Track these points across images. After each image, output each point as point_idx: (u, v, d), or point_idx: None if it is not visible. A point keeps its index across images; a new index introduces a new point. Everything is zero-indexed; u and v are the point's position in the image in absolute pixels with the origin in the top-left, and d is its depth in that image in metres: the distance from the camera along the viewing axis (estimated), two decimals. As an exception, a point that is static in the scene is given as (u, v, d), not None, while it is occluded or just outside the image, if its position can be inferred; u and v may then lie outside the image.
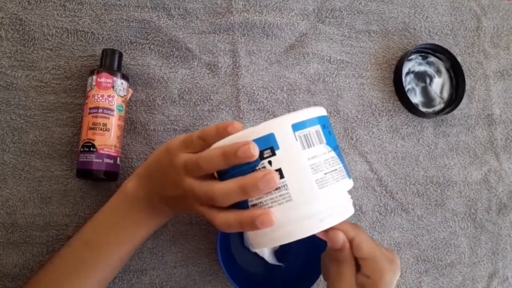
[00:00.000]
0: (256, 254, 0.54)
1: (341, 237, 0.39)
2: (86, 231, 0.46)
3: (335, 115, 0.61)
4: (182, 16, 0.58)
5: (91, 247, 0.44)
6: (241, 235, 0.54)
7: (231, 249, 0.54)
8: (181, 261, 0.53)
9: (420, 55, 0.65)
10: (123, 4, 0.57)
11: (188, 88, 0.57)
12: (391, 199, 0.61)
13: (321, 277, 0.50)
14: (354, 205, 0.59)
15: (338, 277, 0.41)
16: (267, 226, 0.33)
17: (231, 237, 0.54)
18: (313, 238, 0.53)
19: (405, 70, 0.64)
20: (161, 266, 0.53)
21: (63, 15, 0.55)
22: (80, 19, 0.55)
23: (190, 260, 0.54)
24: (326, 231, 0.40)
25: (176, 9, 0.58)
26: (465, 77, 0.64)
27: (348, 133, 0.61)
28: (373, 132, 0.62)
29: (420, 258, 0.60)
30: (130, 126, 0.55)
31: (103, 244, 0.44)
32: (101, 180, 0.50)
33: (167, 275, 0.53)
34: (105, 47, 0.54)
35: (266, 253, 0.53)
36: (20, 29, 0.53)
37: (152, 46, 0.57)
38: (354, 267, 0.41)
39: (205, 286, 0.53)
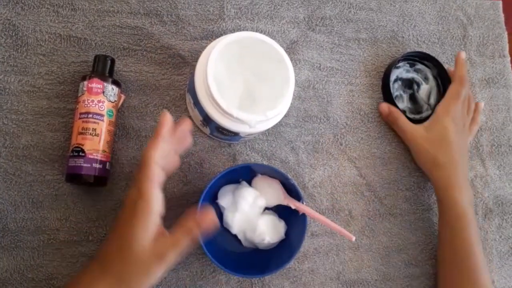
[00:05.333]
0: (235, 236, 0.54)
1: (385, 107, 0.62)
2: None
3: (324, 121, 0.62)
4: (175, 23, 0.59)
5: None
6: (220, 218, 0.54)
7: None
8: (171, 265, 0.54)
9: (408, 63, 0.67)
10: (116, 11, 0.57)
11: (180, 94, 0.57)
12: (380, 204, 0.62)
13: (297, 254, 0.50)
14: (344, 209, 0.60)
15: (401, 132, 0.61)
16: None
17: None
18: (291, 221, 0.53)
19: (393, 77, 0.65)
20: (152, 271, 0.53)
21: (56, 21, 0.55)
22: (73, 25, 0.56)
23: (180, 264, 0.54)
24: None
25: (169, 16, 0.59)
26: (452, 85, 0.65)
27: (338, 139, 0.62)
28: (362, 138, 0.63)
29: (409, 262, 0.61)
30: (122, 131, 0.55)
31: None
32: (89, 184, 0.50)
33: (157, 279, 0.53)
34: (98, 53, 0.54)
35: (242, 238, 0.53)
36: (13, 34, 0.54)
37: (144, 53, 0.57)
38: (404, 116, 0.60)
39: (196, 290, 0.54)
